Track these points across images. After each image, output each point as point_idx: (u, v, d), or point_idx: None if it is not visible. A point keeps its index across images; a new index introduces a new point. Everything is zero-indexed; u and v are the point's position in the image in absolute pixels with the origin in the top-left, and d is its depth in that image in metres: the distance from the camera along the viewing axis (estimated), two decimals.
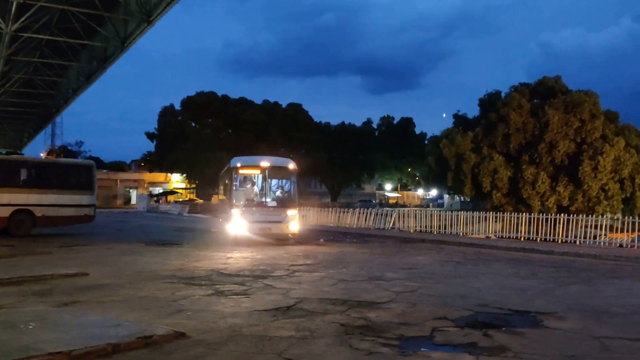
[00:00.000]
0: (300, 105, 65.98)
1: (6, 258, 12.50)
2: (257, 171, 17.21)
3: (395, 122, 73.76)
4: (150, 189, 67.01)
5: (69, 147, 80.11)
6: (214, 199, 59.69)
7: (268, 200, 17.30)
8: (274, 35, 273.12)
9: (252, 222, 16.27)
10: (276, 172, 17.41)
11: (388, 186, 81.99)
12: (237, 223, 16.34)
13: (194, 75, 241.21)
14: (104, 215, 32.38)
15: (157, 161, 61.78)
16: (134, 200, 66.48)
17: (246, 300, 7.65)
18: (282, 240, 16.95)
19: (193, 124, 60.79)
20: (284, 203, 17.26)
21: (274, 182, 18.01)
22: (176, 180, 68.81)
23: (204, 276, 9.86)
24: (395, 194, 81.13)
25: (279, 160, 18.29)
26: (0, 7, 14.69)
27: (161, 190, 65.80)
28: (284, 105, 65.19)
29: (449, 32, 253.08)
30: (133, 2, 14.88)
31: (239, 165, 16.92)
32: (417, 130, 73.89)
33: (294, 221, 16.98)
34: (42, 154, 64.26)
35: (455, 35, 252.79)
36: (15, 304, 7.13)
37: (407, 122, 73.65)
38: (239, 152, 52.46)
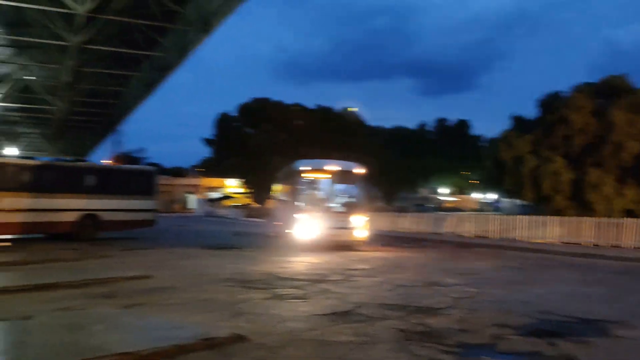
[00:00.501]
0: (353, 109, 66.17)
1: (73, 261, 13.09)
2: (324, 175, 16.62)
3: (450, 124, 72.64)
4: (208, 193, 68.58)
5: (131, 154, 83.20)
6: (269, 204, 60.57)
7: (336, 205, 16.68)
8: (326, 40, 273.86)
9: (319, 229, 15.72)
10: (343, 176, 16.75)
11: (443, 190, 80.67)
12: (303, 229, 15.81)
13: (249, 82, 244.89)
14: (164, 220, 33.33)
15: (214, 166, 63.20)
16: (192, 205, 68.26)
17: (304, 304, 7.70)
18: (347, 246, 16.38)
19: (248, 130, 61.90)
20: (352, 209, 16.58)
21: (341, 186, 17.19)
22: (233, 185, 70.15)
23: (262, 280, 9.98)
24: (451, 198, 79.67)
25: (346, 164, 17.53)
26: (68, 21, 15.46)
27: (218, 195, 67.24)
28: (336, 110, 65.48)
29: (505, 31, 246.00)
30: (192, 12, 15.34)
31: (304, 168, 16.35)
32: (473, 133, 72.55)
33: (363, 228, 16.36)
34: (106, 161, 67.00)
35: (512, 34, 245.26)
36: (83, 306, 7.43)
37: (463, 125, 72.39)
38: (294, 156, 53.11)
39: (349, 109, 65.84)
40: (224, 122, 62.70)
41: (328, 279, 10.19)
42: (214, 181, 70.27)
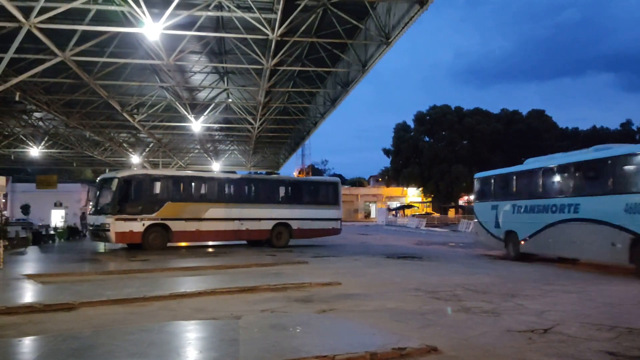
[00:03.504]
0: (542, 111, 61.89)
1: (271, 266, 14.20)
2: None
3: None
4: (388, 203, 69.42)
5: (316, 166, 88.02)
6: (450, 213, 59.18)
7: None
8: (508, 40, 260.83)
9: None
10: None
11: None
12: None
13: (426, 89, 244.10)
14: (347, 228, 34.54)
15: (394, 176, 63.83)
16: (373, 214, 69.67)
17: (496, 319, 7.34)
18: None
19: (426, 139, 61.44)
20: None
21: None
22: (412, 194, 70.09)
23: (449, 291, 9.77)
24: None
25: None
26: (261, 46, 16.91)
27: (398, 204, 67.67)
28: (523, 113, 61.87)
29: None
30: (372, 27, 15.69)
31: None
32: None
33: None
34: (294, 173, 71.78)
35: None
36: (283, 308, 8.01)
37: None
38: (474, 164, 51.32)
39: (536, 111, 61.72)
40: (400, 132, 63.15)
41: (520, 293, 9.59)
42: (394, 190, 70.93)
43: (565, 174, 14.83)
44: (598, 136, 61.92)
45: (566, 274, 12.81)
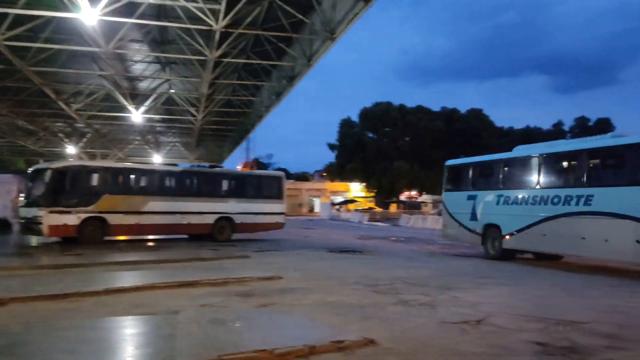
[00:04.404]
0: (480, 110, 64.03)
1: (213, 260, 14.01)
2: None
3: (590, 123, 67.36)
4: (332, 197, 69.92)
5: (261, 160, 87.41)
6: (392, 207, 60.31)
7: None
8: (450, 39, 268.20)
9: None
10: None
11: None
12: None
13: (371, 86, 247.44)
14: (291, 223, 34.51)
15: (338, 171, 64.45)
16: (317, 209, 69.99)
17: (432, 311, 7.56)
18: None
19: (370, 135, 62.36)
20: None
21: None
22: (356, 189, 70.93)
23: (388, 284, 9.96)
24: None
25: None
26: (204, 36, 16.63)
27: (342, 199, 68.28)
28: (462, 111, 63.80)
29: None
30: (318, 21, 15.76)
31: None
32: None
33: None
34: (238, 167, 71.03)
35: None
36: (223, 303, 7.93)
37: (604, 124, 66.80)
38: (417, 160, 52.73)
39: (475, 110, 63.77)
40: (346, 127, 63.86)
41: (456, 286, 9.90)
42: (338, 185, 71.54)
43: (576, 162, 12.93)
44: (532, 135, 64.75)
45: (501, 268, 13.31)
